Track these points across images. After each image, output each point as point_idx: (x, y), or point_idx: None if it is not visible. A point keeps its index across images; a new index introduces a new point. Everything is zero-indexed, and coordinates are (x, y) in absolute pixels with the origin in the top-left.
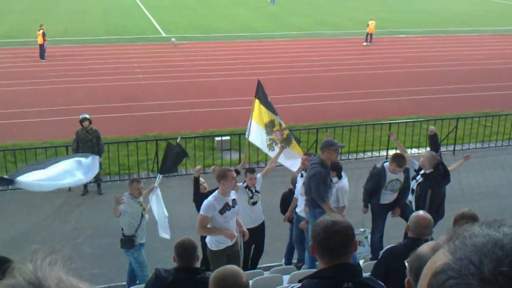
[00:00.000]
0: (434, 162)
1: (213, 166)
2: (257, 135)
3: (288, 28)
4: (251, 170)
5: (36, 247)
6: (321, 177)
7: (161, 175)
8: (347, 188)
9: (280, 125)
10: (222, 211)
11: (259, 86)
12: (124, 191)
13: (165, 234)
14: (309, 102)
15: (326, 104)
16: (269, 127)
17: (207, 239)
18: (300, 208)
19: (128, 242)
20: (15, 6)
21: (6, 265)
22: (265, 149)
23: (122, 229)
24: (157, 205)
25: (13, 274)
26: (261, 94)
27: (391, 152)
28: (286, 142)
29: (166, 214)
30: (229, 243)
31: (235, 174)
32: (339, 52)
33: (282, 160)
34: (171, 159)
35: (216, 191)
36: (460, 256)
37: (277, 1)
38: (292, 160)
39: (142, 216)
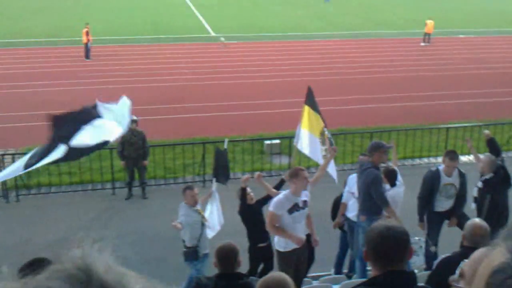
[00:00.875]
0: (493, 166)
1: (257, 173)
2: (308, 143)
3: (341, 27)
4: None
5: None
6: (381, 181)
7: (215, 179)
8: (400, 197)
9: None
10: (291, 211)
11: (309, 92)
12: (169, 195)
13: (210, 231)
14: (362, 104)
15: (381, 107)
16: (323, 135)
17: (275, 240)
18: (353, 213)
19: (192, 254)
20: (61, 4)
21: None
22: (319, 160)
23: (184, 240)
24: (213, 211)
25: (61, 260)
26: (310, 100)
27: None
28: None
29: (222, 221)
30: (293, 247)
31: (307, 174)
32: (395, 52)
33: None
34: (222, 166)
35: (288, 190)
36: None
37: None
38: (333, 168)
39: (203, 224)
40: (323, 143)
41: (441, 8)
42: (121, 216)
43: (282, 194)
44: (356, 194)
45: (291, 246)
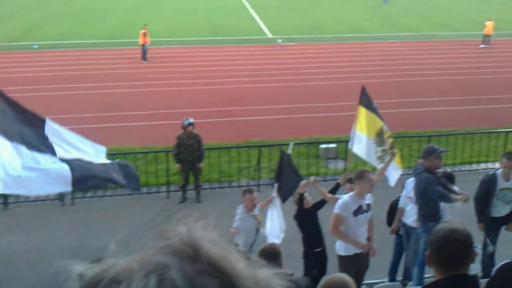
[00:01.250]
0: None
1: (313, 177)
2: (363, 146)
3: (401, 29)
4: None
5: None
6: (433, 181)
7: (277, 185)
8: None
9: (385, 132)
10: (356, 213)
11: (364, 92)
12: (223, 199)
13: (275, 238)
14: (420, 107)
15: (439, 110)
16: (380, 136)
17: (336, 244)
18: (411, 219)
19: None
20: (119, 5)
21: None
22: (374, 162)
23: (237, 244)
24: (274, 218)
25: (167, 236)
26: (365, 100)
27: None
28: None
29: (284, 227)
30: (354, 251)
31: (372, 176)
32: (454, 55)
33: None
34: (287, 176)
35: (353, 192)
36: None
37: (391, 0)
38: (394, 173)
39: (258, 230)
40: (379, 144)
41: (502, 9)
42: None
43: (347, 196)
44: (414, 199)
45: (352, 250)
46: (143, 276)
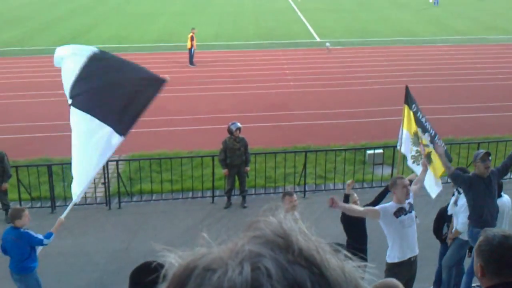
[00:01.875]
0: None
1: (350, 180)
2: (406, 144)
3: (451, 32)
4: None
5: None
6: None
7: None
8: (507, 207)
9: (422, 139)
10: (397, 214)
11: (407, 92)
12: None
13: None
14: (471, 113)
15: (490, 116)
16: (417, 136)
17: (387, 253)
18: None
19: None
20: (167, 9)
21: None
22: (409, 161)
23: None
24: None
25: (259, 227)
26: (409, 99)
27: None
28: (427, 161)
29: None
30: (410, 254)
31: (407, 182)
32: (506, 59)
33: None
34: None
35: (392, 201)
36: None
37: (442, 2)
38: (434, 187)
39: None
40: (414, 143)
41: None
42: (220, 226)
43: (388, 204)
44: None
45: (405, 255)
46: (237, 264)
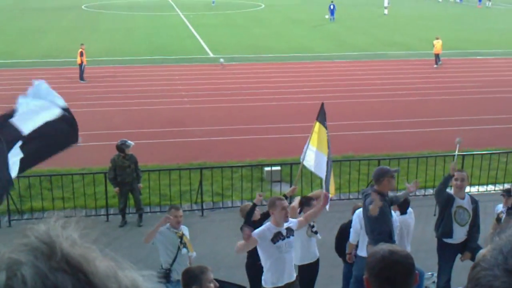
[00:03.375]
0: None
1: (259, 193)
2: (316, 161)
3: (349, 48)
4: (309, 199)
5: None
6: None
7: None
8: (408, 227)
9: None
10: (274, 240)
11: (322, 109)
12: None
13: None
14: (370, 130)
15: (390, 133)
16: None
17: (263, 276)
18: (362, 250)
19: (164, 276)
20: (56, 24)
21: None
22: (328, 181)
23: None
24: None
25: (26, 234)
26: (321, 117)
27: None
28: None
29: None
30: (287, 280)
31: (286, 204)
32: (406, 75)
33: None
34: None
35: (269, 222)
36: (494, 247)
37: (337, 18)
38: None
39: (179, 248)
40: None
41: (460, 28)
42: (115, 245)
43: (264, 225)
44: (363, 224)
45: (281, 281)
46: None
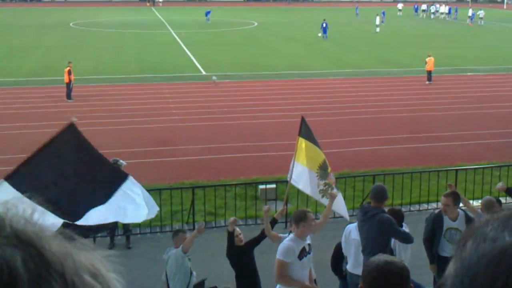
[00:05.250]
0: None
1: (266, 206)
2: (303, 178)
3: (342, 65)
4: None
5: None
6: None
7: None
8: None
9: (329, 168)
10: (300, 256)
11: (303, 123)
12: (155, 244)
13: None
14: (365, 146)
15: (384, 149)
16: (323, 169)
17: None
18: (354, 267)
19: None
20: (43, 42)
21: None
22: (316, 196)
23: None
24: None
25: None
26: (305, 131)
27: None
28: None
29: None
30: None
31: (313, 216)
32: (399, 91)
33: (335, 206)
34: None
35: (293, 234)
36: (459, 266)
37: (331, 36)
38: (343, 206)
39: (191, 273)
40: (321, 177)
41: (452, 45)
42: None
43: (289, 239)
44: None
45: None
46: None
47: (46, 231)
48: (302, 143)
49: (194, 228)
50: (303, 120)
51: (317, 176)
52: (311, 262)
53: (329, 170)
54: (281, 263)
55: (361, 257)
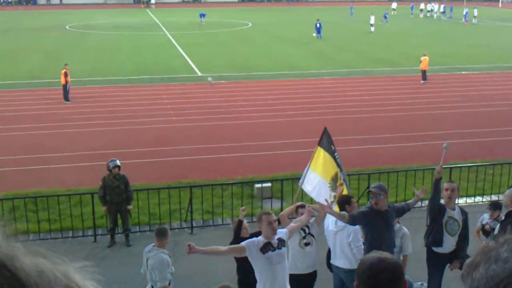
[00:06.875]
0: None
1: (244, 207)
2: (315, 186)
3: (337, 65)
4: (302, 206)
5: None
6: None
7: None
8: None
9: (339, 180)
10: (263, 250)
11: (325, 133)
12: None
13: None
14: (360, 145)
15: (379, 148)
16: (334, 181)
17: None
18: (340, 261)
19: None
20: (39, 45)
21: None
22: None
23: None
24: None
25: None
26: (326, 142)
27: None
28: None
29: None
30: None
31: (272, 218)
32: (393, 91)
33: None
34: None
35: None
36: (469, 285)
37: (325, 36)
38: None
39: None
40: (332, 189)
41: (446, 44)
42: (103, 265)
43: (256, 238)
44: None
45: None
46: None
47: (16, 250)
48: (321, 152)
49: (191, 226)
50: (325, 130)
51: (329, 187)
52: (284, 257)
53: (338, 183)
54: (239, 246)
55: (337, 249)
